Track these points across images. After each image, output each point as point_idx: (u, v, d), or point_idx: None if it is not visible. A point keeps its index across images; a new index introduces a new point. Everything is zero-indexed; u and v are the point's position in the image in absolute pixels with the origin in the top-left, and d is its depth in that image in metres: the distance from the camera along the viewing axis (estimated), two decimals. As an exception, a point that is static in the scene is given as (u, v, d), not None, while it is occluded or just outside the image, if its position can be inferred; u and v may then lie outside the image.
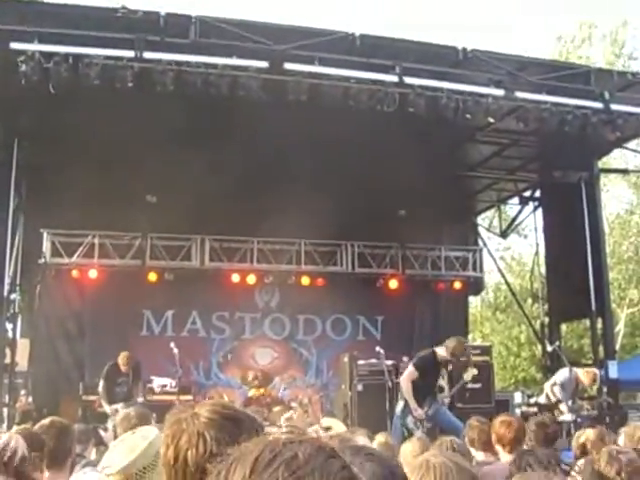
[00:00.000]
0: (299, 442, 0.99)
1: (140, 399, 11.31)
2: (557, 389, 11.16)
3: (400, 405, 9.51)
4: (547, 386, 11.55)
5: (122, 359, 11.33)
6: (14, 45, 9.56)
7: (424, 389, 9.48)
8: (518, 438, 5.48)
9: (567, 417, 10.76)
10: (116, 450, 2.45)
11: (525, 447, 5.37)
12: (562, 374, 11.35)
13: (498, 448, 5.55)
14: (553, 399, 11.20)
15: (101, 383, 11.39)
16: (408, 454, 4.81)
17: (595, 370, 11.95)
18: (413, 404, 9.22)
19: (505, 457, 5.35)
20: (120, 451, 2.42)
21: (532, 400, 13.42)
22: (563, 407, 10.96)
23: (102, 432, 9.15)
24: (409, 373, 9.45)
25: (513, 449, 5.38)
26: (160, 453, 2.26)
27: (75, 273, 14.62)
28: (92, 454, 5.96)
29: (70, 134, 11.71)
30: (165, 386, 12.58)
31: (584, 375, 11.34)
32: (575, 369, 11.61)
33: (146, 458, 2.36)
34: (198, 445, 1.85)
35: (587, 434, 5.66)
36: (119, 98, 10.41)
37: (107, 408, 11.13)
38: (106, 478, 2.42)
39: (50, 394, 13.45)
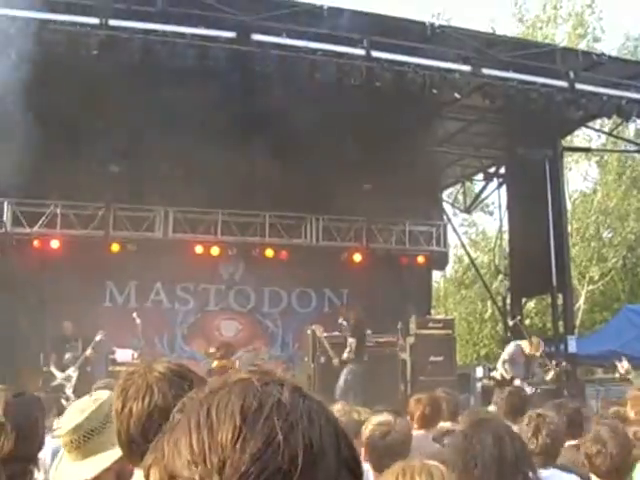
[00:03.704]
0: (272, 383, 0.91)
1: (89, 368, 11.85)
2: (507, 366, 11.32)
3: None
4: (499, 364, 11.70)
5: (65, 326, 12.23)
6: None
7: None
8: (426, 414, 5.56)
9: (526, 390, 10.90)
10: (69, 412, 2.44)
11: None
12: (508, 349, 11.60)
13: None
14: (507, 376, 11.34)
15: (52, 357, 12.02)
16: None
17: (537, 338, 12.15)
18: None
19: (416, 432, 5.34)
20: (71, 413, 2.42)
21: (493, 374, 13.61)
22: (517, 382, 11.05)
23: (64, 401, 9.13)
24: None
25: (423, 425, 5.49)
26: (109, 416, 2.30)
27: (37, 243, 14.41)
28: (54, 424, 5.94)
29: (30, 101, 11.48)
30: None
31: (528, 346, 11.52)
32: (519, 342, 11.79)
33: (94, 420, 2.35)
34: (145, 397, 1.91)
35: None
36: (83, 65, 10.25)
37: (58, 375, 11.41)
38: (57, 440, 2.41)
39: (10, 364, 13.32)
